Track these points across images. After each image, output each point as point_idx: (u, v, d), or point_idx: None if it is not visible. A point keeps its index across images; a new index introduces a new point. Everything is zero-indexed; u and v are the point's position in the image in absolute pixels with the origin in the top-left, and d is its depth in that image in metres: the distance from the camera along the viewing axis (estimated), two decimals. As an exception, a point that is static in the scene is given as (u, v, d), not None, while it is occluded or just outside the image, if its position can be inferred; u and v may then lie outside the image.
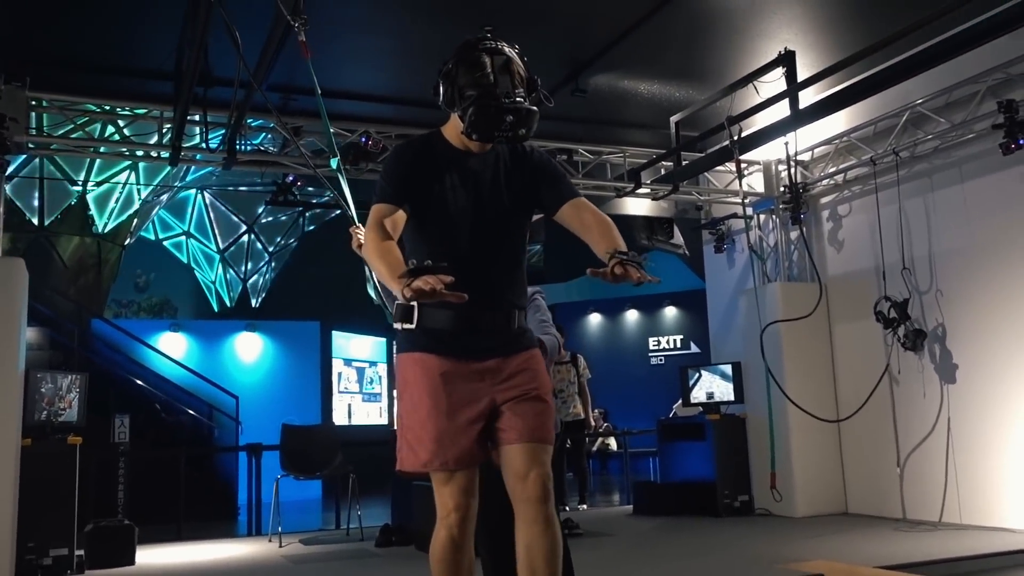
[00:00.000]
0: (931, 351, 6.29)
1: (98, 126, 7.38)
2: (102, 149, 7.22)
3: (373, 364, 15.06)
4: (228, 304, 17.56)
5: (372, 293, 4.54)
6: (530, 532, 2.35)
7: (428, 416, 2.40)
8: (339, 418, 13.56)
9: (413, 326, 2.34)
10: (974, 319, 6.02)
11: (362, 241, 3.40)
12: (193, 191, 16.48)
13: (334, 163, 3.54)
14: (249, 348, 12.87)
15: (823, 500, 6.93)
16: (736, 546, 5.56)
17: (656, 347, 15.05)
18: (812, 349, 7.15)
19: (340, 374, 14.14)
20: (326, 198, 15.55)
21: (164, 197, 14.74)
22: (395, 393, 2.61)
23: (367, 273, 3.60)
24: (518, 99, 2.39)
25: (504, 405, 2.42)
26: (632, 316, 15.33)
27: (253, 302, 17.72)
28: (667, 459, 7.84)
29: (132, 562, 5.64)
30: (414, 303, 2.25)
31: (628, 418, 12.61)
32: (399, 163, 2.51)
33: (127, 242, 14.17)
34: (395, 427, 8.45)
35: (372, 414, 14.77)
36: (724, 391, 7.40)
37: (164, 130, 6.42)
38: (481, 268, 2.45)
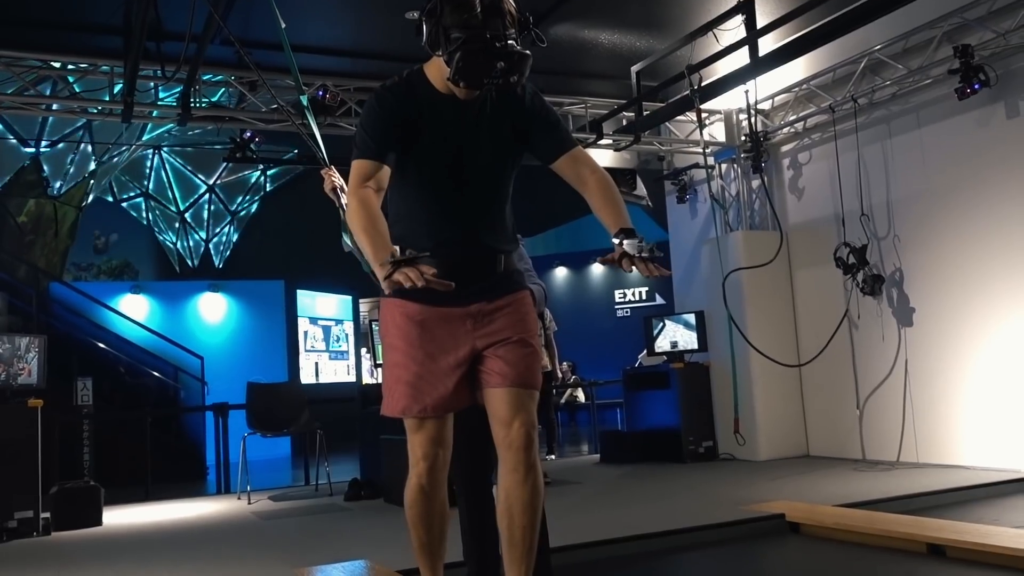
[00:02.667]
0: (889, 295, 6.40)
1: (49, 85, 7.19)
2: (54, 107, 7.04)
3: (339, 322, 15.02)
4: (191, 265, 17.34)
5: (348, 241, 4.39)
6: (511, 479, 2.31)
7: (404, 362, 2.36)
8: (306, 377, 13.54)
9: None
10: (930, 263, 6.12)
11: (336, 183, 3.33)
12: (150, 152, 16.16)
13: (304, 100, 3.48)
14: (213, 309, 12.76)
15: (785, 444, 7.08)
16: (701, 489, 5.67)
17: (622, 300, 15.16)
18: (773, 296, 7.24)
19: (306, 333, 14.08)
20: (288, 155, 15.35)
21: (121, 158, 14.44)
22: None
23: (342, 218, 3.54)
24: (510, 42, 2.20)
25: (488, 349, 2.36)
26: (598, 269, 15.40)
27: (216, 262, 17.51)
28: (633, 409, 7.93)
29: (99, 523, 5.62)
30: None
31: (596, 370, 12.71)
32: (381, 113, 2.34)
33: (84, 204, 13.90)
34: (376, 379, 8.43)
35: (340, 372, 14.75)
36: (688, 340, 7.48)
37: (115, 87, 6.28)
38: (466, 215, 2.38)
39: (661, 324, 7.74)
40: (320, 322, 14.53)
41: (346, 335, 15.11)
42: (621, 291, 15.16)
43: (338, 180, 3.24)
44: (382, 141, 2.31)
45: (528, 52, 2.23)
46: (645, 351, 8.03)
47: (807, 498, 4.84)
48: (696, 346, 7.42)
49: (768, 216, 7.40)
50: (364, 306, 16.58)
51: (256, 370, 9.62)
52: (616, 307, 15.15)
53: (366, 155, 2.30)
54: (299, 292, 13.93)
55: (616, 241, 2.31)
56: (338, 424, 8.50)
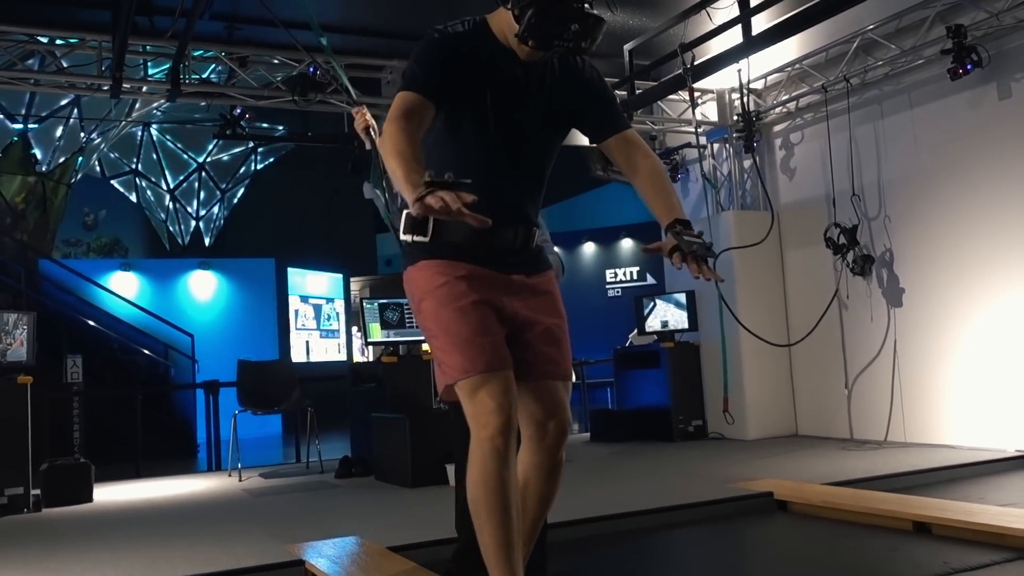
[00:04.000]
0: (879, 276, 6.42)
1: (37, 60, 7.12)
2: (41, 82, 6.98)
3: (330, 301, 15.00)
4: (180, 243, 17.28)
5: (371, 187, 4.26)
6: (534, 474, 2.19)
7: (456, 319, 2.10)
8: (297, 355, 13.53)
9: (427, 239, 2.00)
10: (920, 244, 6.14)
11: (369, 122, 3.14)
12: (140, 128, 16.05)
13: (324, 40, 3.44)
14: (203, 286, 12.73)
15: (774, 423, 7.12)
16: (690, 467, 5.71)
17: (613, 279, 15.15)
18: (764, 276, 7.26)
19: (297, 311, 14.07)
20: (278, 132, 15.27)
21: (110, 134, 14.34)
22: (414, 313, 2.31)
23: (381, 167, 3.44)
24: (586, 3, 2.05)
25: (527, 332, 2.19)
26: (589, 249, 15.38)
27: (206, 240, 17.45)
28: (623, 387, 7.96)
29: (90, 499, 5.63)
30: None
31: (586, 350, 12.69)
32: (440, 48, 2.13)
33: (73, 181, 13.81)
34: (367, 357, 8.38)
35: (331, 350, 14.75)
36: (678, 319, 7.50)
37: (104, 62, 6.23)
38: (509, 183, 2.22)
39: (652, 303, 7.75)
40: (311, 300, 14.52)
41: (337, 314, 15.10)
42: (612, 271, 15.16)
43: (371, 119, 3.16)
44: (433, 75, 2.09)
45: (603, 18, 2.08)
46: (636, 330, 8.05)
47: (795, 476, 4.88)
48: (686, 325, 7.44)
49: (759, 196, 7.41)
50: (355, 285, 16.57)
51: (246, 348, 9.61)
52: (607, 286, 15.15)
53: (413, 87, 2.09)
54: (290, 270, 13.90)
55: (670, 234, 2.11)
56: (329, 402, 8.51)
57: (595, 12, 2.07)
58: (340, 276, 15.33)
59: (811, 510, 4.13)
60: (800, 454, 6.02)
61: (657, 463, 6.07)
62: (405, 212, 2.10)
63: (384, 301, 6.39)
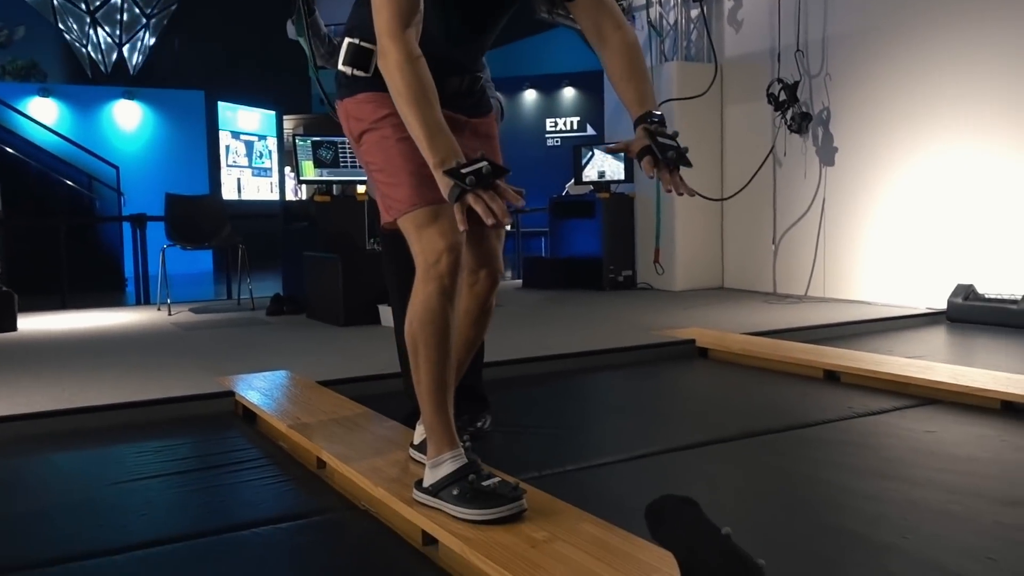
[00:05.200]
0: (815, 134, 6.47)
1: None
2: None
3: (262, 138, 14.59)
4: (103, 71, 16.42)
5: (295, 30, 3.95)
6: (464, 320, 2.16)
7: (400, 152, 1.98)
8: (228, 193, 13.26)
9: (369, 75, 1.95)
10: (858, 103, 6.17)
11: None
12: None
13: None
14: (128, 117, 12.24)
15: (702, 275, 7.30)
16: (618, 316, 5.85)
17: (553, 128, 14.98)
18: (703, 129, 7.26)
19: (228, 147, 13.68)
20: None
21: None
22: (354, 147, 2.14)
23: (304, 15, 3.14)
24: None
25: None
26: (530, 96, 15.12)
27: (130, 69, 16.62)
28: (557, 236, 8.02)
29: (14, 328, 5.55)
30: (372, 47, 1.89)
31: (527, 199, 12.71)
32: None
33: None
34: (300, 196, 8.27)
35: (263, 189, 14.48)
36: (615, 170, 7.50)
37: None
38: (466, 43, 2.09)
39: (590, 153, 7.72)
40: (242, 137, 14.10)
41: (269, 151, 14.73)
42: (553, 120, 14.98)
43: None
44: None
45: None
46: (573, 180, 8.04)
47: (718, 326, 5.05)
48: (623, 176, 7.45)
49: (704, 48, 7.30)
50: (289, 122, 16.09)
51: (175, 183, 9.35)
52: (547, 136, 15.00)
53: None
54: (220, 104, 13.42)
55: (641, 130, 1.90)
56: (261, 241, 8.43)
57: None
58: (273, 113, 14.86)
59: (730, 357, 4.30)
60: (724, 306, 6.21)
61: (586, 310, 6.20)
62: (347, 41, 2.01)
63: (318, 139, 6.23)
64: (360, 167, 2.11)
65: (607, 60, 2.02)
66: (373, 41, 1.90)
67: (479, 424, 2.87)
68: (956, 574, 1.78)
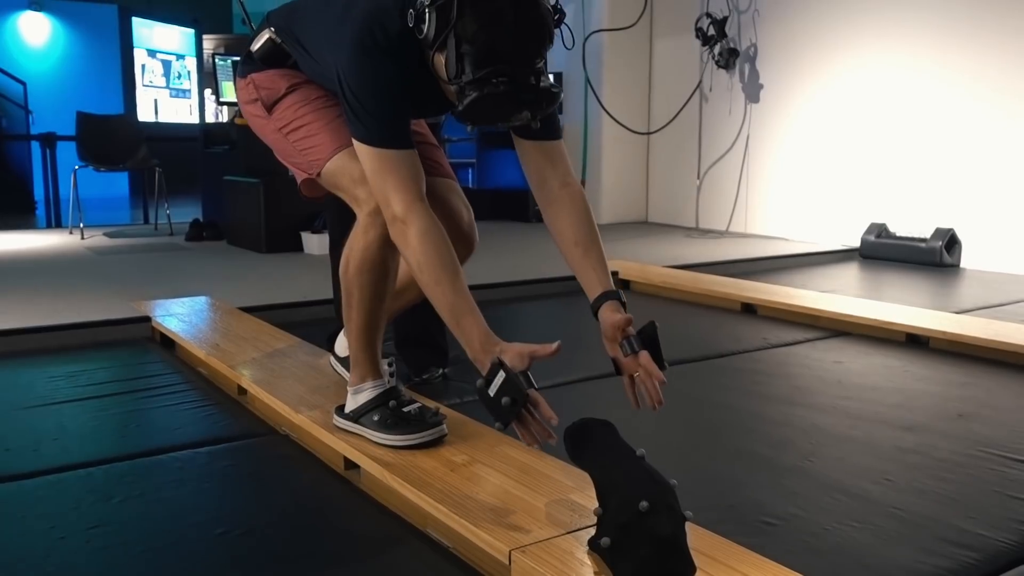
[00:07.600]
0: (741, 70, 6.52)
1: None
2: None
3: (180, 57, 14.01)
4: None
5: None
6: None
7: (318, 108, 1.97)
8: (145, 114, 12.74)
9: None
10: (783, 40, 6.23)
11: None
12: None
13: None
14: (35, 30, 11.61)
15: (626, 209, 7.37)
16: (540, 247, 5.87)
17: (482, 57, 14.78)
18: (631, 63, 7.25)
19: (144, 66, 13.10)
20: None
21: None
22: (258, 125, 2.17)
23: None
24: (543, 78, 1.66)
25: None
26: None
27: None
28: (484, 168, 7.98)
29: (-85, 250, 5.31)
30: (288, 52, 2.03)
31: (453, 129, 12.57)
32: (387, 81, 1.74)
33: None
34: (221, 119, 8.00)
35: (181, 111, 13.95)
36: (544, 101, 7.44)
37: None
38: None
39: (519, 83, 7.64)
40: (159, 55, 13.51)
41: (188, 72, 14.16)
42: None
43: None
44: (401, 116, 1.79)
45: (559, 89, 1.71)
46: (501, 110, 7.97)
47: (640, 259, 5.12)
48: (551, 108, 7.40)
49: (636, -21, 7.23)
50: (209, 43, 15.46)
51: (87, 102, 8.93)
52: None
53: (389, 141, 1.74)
54: (135, 20, 12.79)
55: (610, 319, 1.76)
56: (179, 164, 8.15)
57: (551, 87, 1.67)
58: (192, 31, 14.25)
59: (652, 290, 4.38)
60: (647, 239, 6.30)
61: (512, 241, 6.22)
62: (269, 36, 2.05)
63: (239, 59, 6.01)
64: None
65: (552, 218, 1.87)
66: (291, 45, 1.99)
67: (431, 374, 2.77)
68: (855, 494, 1.88)
